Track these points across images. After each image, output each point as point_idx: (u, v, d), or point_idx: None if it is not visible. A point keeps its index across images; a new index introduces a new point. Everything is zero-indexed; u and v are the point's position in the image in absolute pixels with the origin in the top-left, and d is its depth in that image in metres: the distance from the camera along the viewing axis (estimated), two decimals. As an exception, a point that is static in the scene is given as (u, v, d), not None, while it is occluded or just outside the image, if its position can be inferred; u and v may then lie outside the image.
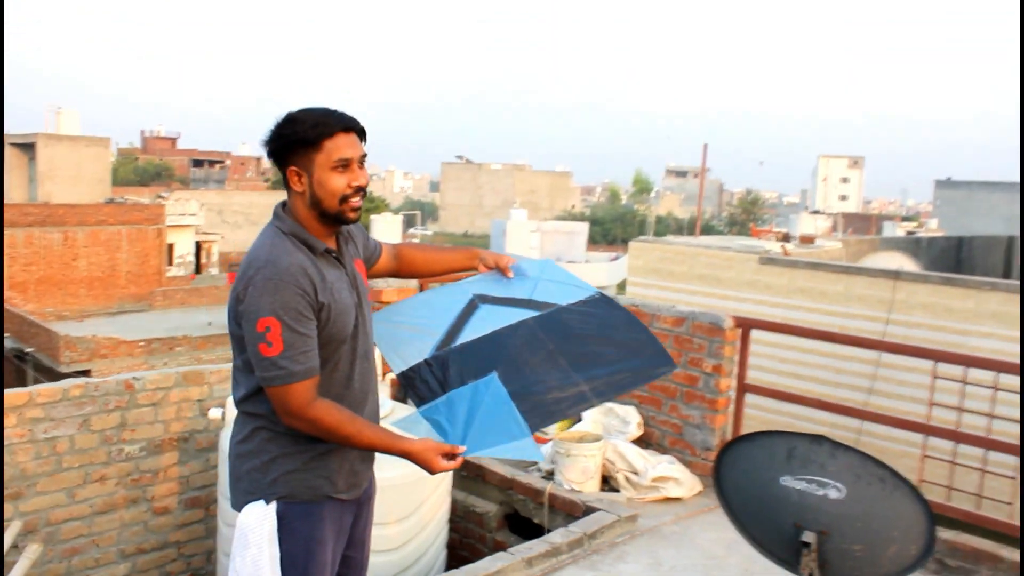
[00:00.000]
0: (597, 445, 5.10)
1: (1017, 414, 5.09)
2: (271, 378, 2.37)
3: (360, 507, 2.76)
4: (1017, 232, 24.52)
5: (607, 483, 5.20)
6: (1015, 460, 4.70)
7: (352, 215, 2.50)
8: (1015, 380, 4.17)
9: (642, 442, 5.52)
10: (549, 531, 4.63)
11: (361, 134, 2.50)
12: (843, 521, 3.13)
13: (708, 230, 79.01)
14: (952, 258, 16.31)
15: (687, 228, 74.79)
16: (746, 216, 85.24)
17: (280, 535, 2.49)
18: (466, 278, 2.94)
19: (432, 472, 2.46)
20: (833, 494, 3.13)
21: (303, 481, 2.51)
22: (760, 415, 5.33)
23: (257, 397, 2.49)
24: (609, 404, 5.61)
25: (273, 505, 2.49)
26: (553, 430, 5.54)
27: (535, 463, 5.38)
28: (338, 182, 2.43)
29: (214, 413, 5.04)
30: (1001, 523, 4.22)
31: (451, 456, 2.46)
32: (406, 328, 2.86)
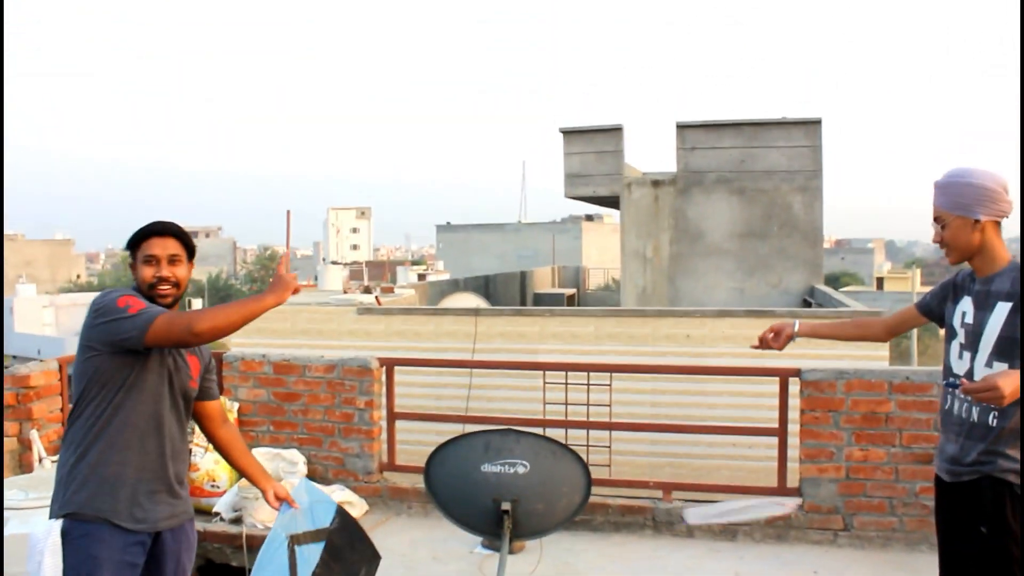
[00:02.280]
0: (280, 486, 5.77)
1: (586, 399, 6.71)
2: (147, 320, 2.89)
3: (159, 554, 3.10)
4: (517, 268, 28.30)
5: (288, 518, 5.88)
6: (606, 433, 6.27)
7: (160, 300, 3.09)
8: (602, 376, 5.71)
9: (308, 478, 6.26)
10: (250, 570, 5.21)
11: (179, 238, 3.16)
12: (529, 489, 4.27)
13: (228, 289, 78.43)
14: (483, 292, 18.92)
15: (208, 290, 73.57)
16: (264, 272, 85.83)
17: (64, 550, 2.92)
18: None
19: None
20: (521, 470, 4.27)
21: (87, 501, 2.91)
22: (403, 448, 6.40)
23: (73, 413, 3.02)
24: (275, 449, 6.27)
25: (60, 521, 2.95)
26: (225, 481, 6.08)
27: (218, 514, 5.86)
28: (145, 272, 3.09)
29: None
30: (602, 480, 5.71)
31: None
32: None
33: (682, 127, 13.93)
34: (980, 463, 2.89)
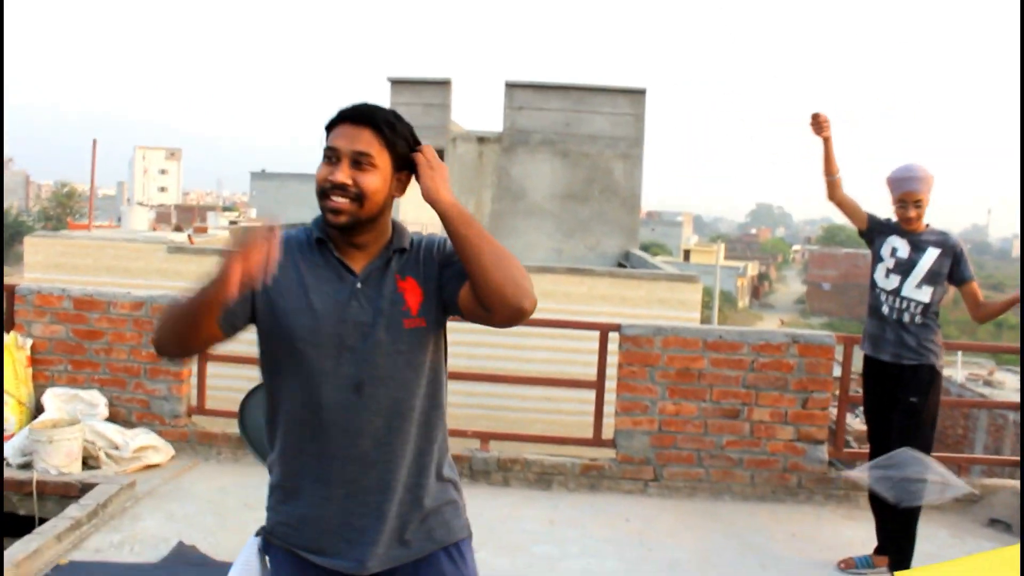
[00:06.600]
0: (77, 427, 5.37)
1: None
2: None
3: None
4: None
5: (86, 463, 5.51)
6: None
7: (330, 216, 2.00)
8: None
9: (109, 421, 5.89)
10: (41, 519, 4.86)
11: (379, 130, 2.01)
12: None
13: (18, 226, 73.00)
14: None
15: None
16: (61, 210, 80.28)
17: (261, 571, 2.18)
18: None
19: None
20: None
21: (272, 521, 2.18)
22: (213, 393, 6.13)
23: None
24: (73, 390, 5.86)
25: (257, 541, 2.20)
26: (12, 423, 5.64)
27: (3, 459, 5.43)
28: (320, 172, 2.02)
29: None
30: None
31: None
32: None
33: (511, 86, 13.98)
34: (920, 352, 4.21)
